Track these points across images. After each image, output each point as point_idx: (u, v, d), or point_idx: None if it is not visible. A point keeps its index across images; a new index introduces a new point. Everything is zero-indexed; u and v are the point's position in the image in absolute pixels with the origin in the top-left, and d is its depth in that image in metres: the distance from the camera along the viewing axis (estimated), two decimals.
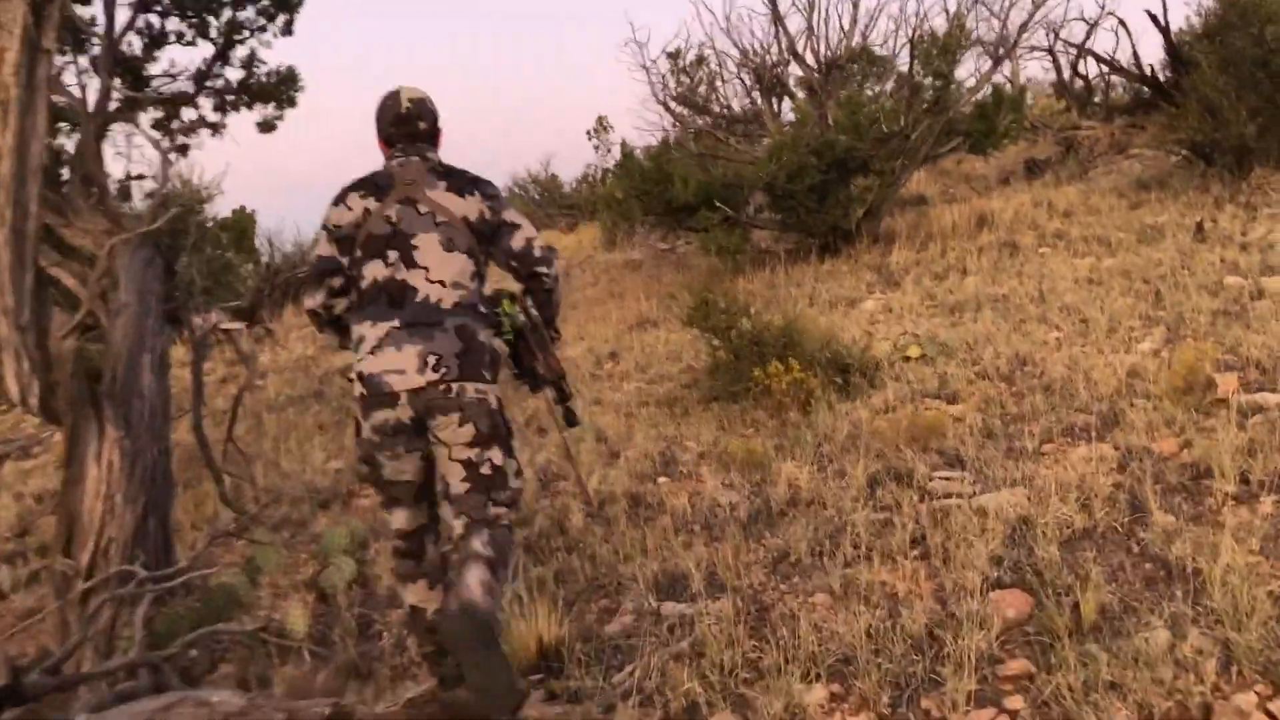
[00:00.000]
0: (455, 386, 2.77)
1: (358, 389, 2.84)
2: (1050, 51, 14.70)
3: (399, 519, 2.97)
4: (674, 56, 10.04)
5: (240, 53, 6.25)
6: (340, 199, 2.96)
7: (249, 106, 6.33)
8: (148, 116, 6.07)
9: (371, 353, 2.79)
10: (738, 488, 4.67)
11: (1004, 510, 3.76)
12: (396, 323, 2.79)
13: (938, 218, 10.38)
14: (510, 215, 2.98)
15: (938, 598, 3.28)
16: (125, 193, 6.23)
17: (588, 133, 12.39)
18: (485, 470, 2.84)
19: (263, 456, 7.11)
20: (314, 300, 3.01)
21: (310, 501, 5.81)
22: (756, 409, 5.74)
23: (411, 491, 2.93)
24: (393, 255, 2.86)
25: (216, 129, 6.29)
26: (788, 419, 5.48)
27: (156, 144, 5.55)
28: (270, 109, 6.42)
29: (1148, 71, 13.52)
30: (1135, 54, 13.38)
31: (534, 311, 3.13)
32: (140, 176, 6.10)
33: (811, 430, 5.21)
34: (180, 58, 6.56)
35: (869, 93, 11.22)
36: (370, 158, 3.63)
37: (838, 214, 9.58)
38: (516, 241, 2.95)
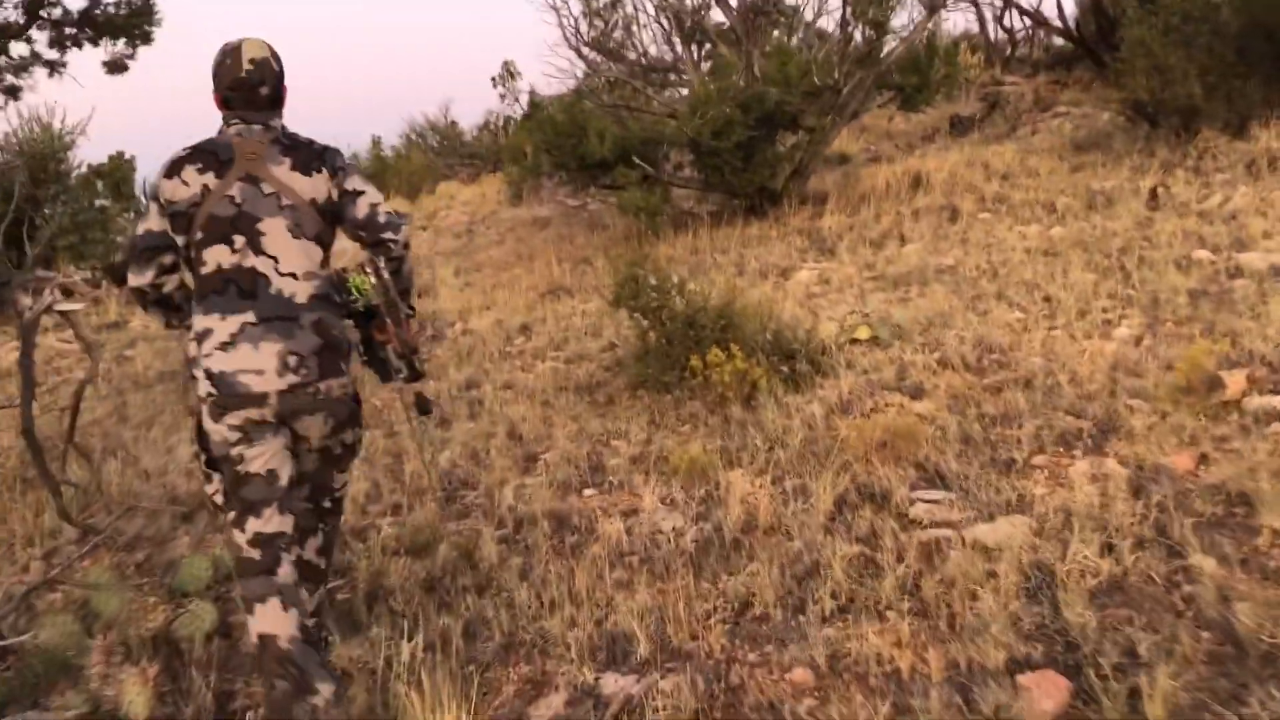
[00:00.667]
0: (319, 386, 2.69)
1: (204, 387, 2.65)
2: (974, 2, 14.15)
3: (256, 523, 2.67)
4: None
5: None
6: (173, 170, 2.68)
7: (94, 42, 5.30)
8: None
9: (222, 348, 2.62)
10: (681, 507, 3.96)
11: (1010, 548, 3.12)
12: (251, 317, 2.63)
13: (870, 178, 9.75)
14: (353, 182, 2.79)
15: (951, 679, 2.62)
16: None
17: (493, 79, 11.17)
18: (337, 451, 2.93)
19: (121, 450, 6.15)
20: (141, 278, 2.78)
21: (171, 513, 4.91)
22: (693, 400, 5.03)
23: (274, 488, 2.69)
24: (239, 241, 2.65)
25: (54, 68, 5.26)
26: (730, 415, 4.78)
27: None
28: (120, 45, 5.41)
29: (1073, 27, 13.09)
30: (1060, 7, 12.89)
31: (386, 277, 2.78)
32: None
33: (760, 431, 4.52)
34: None
35: (795, 41, 10.49)
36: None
37: (765, 174, 8.87)
38: (360, 209, 2.76)
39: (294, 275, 2.66)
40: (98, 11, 5.23)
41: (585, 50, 9.22)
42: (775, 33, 10.84)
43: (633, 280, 5.33)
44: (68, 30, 5.20)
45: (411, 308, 3.00)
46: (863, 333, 5.62)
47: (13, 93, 5.31)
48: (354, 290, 2.89)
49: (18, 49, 5.13)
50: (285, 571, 2.65)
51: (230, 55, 2.73)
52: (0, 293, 4.37)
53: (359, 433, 3.00)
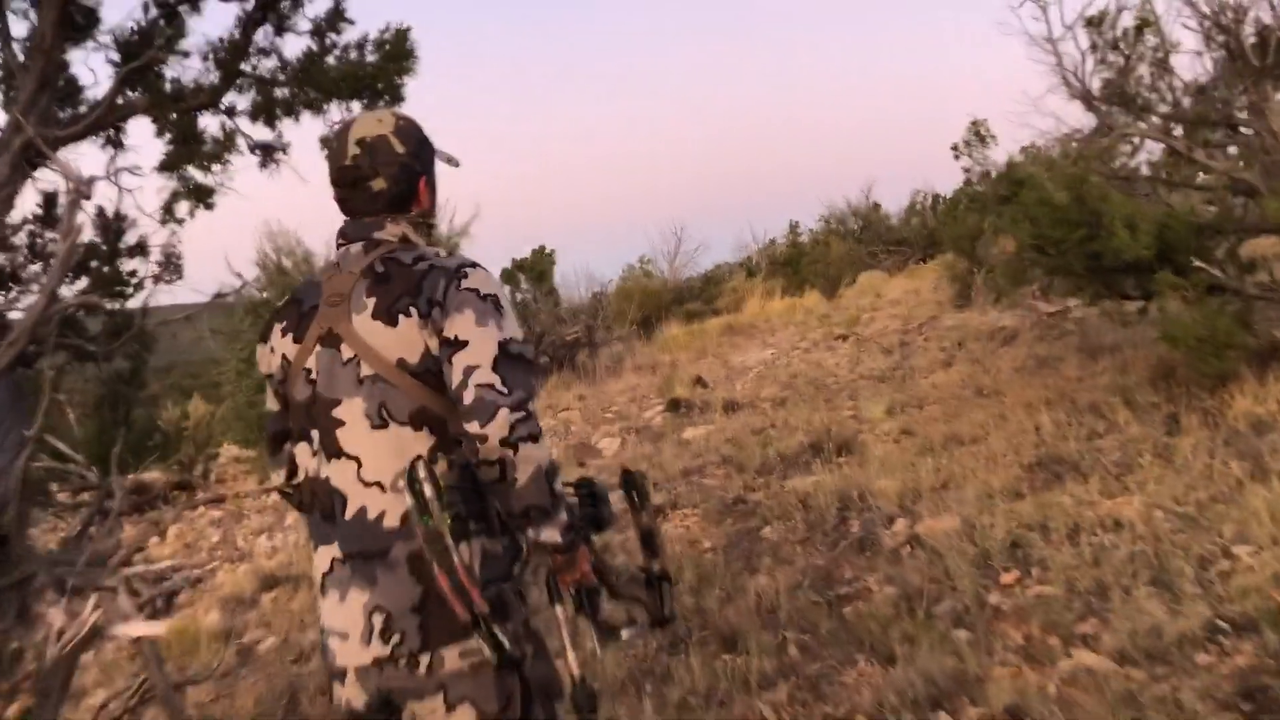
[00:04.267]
0: (422, 660, 1.80)
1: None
2: None
3: None
4: (1096, 23, 6.09)
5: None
6: (265, 332, 2.04)
7: (318, 108, 3.33)
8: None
9: (323, 592, 1.92)
10: None
11: None
12: (337, 551, 1.88)
13: None
14: (458, 323, 1.80)
15: None
16: None
17: (954, 147, 8.26)
18: None
19: None
20: (277, 476, 2.09)
21: None
22: None
23: None
24: (315, 437, 1.92)
25: (269, 155, 3.37)
26: None
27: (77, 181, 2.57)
28: (354, 109, 3.42)
29: None
30: None
31: (432, 490, 1.70)
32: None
33: None
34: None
35: None
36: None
37: None
38: (454, 372, 1.77)
39: (380, 485, 1.82)
40: (331, 58, 3.15)
41: (1095, 98, 6.17)
42: None
43: None
44: (279, 93, 3.22)
45: (569, 537, 1.81)
46: None
47: (202, 198, 3.38)
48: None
49: (211, 125, 3.16)
50: None
51: (337, 138, 2.00)
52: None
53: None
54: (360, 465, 1.84)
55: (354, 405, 1.85)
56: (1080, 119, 6.61)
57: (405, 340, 1.82)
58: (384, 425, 1.83)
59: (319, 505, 1.91)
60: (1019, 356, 8.23)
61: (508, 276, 20.36)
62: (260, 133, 3.48)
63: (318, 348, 1.90)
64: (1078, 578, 3.93)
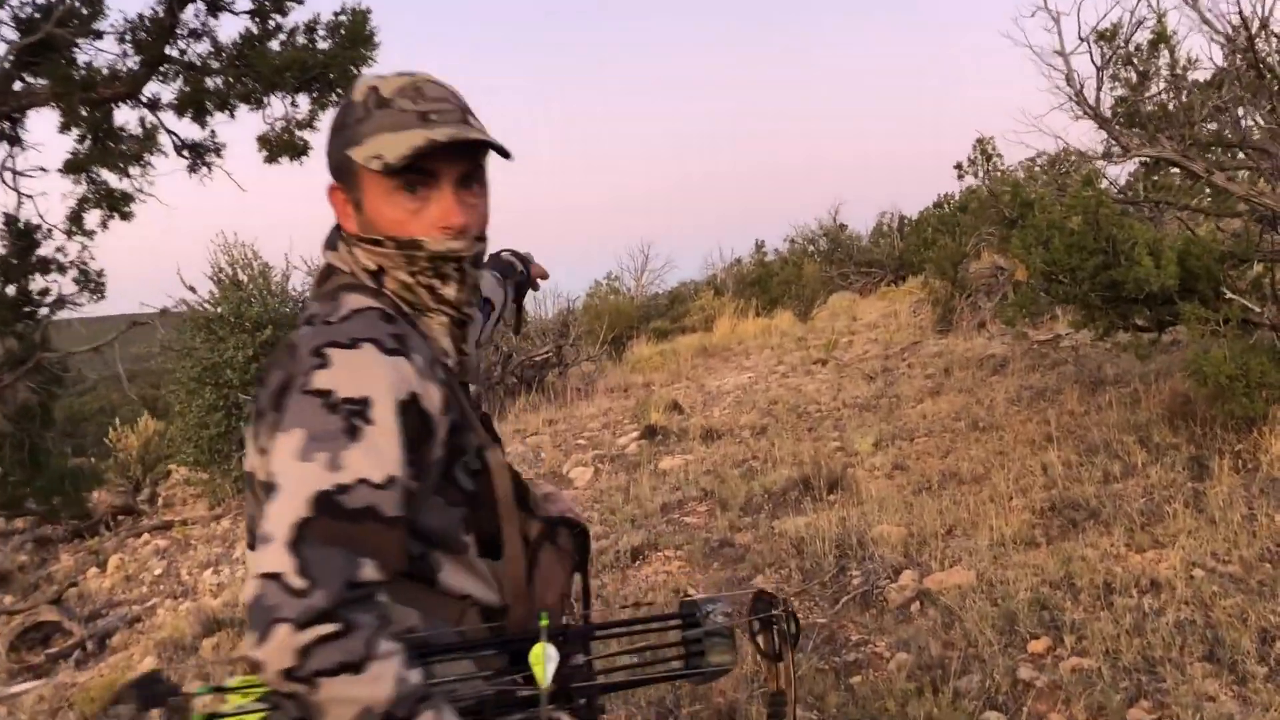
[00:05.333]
0: None
1: None
2: None
3: None
4: (1108, 37, 5.70)
5: None
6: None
7: (258, 101, 2.80)
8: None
9: None
10: None
11: None
12: None
13: None
14: (278, 447, 1.16)
15: None
16: None
17: (958, 165, 7.84)
18: None
19: None
20: None
21: None
22: None
23: None
24: None
25: (200, 158, 2.84)
26: None
27: None
28: (303, 104, 2.87)
29: None
30: None
31: None
32: None
33: None
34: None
35: None
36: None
37: None
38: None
39: None
40: (274, 43, 2.63)
41: (1107, 117, 5.78)
42: None
43: None
44: (211, 82, 2.69)
45: None
46: None
47: (116, 206, 2.84)
48: None
49: (130, 120, 2.64)
50: None
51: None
52: None
53: None
54: None
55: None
56: (1084, 139, 6.22)
57: (255, 448, 1.31)
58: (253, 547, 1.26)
59: None
60: (1012, 387, 7.82)
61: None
62: (189, 130, 2.96)
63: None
64: (1119, 649, 3.49)
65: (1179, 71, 5.61)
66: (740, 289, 23.37)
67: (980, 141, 7.48)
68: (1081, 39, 5.48)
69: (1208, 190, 5.49)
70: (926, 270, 11.76)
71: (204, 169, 2.95)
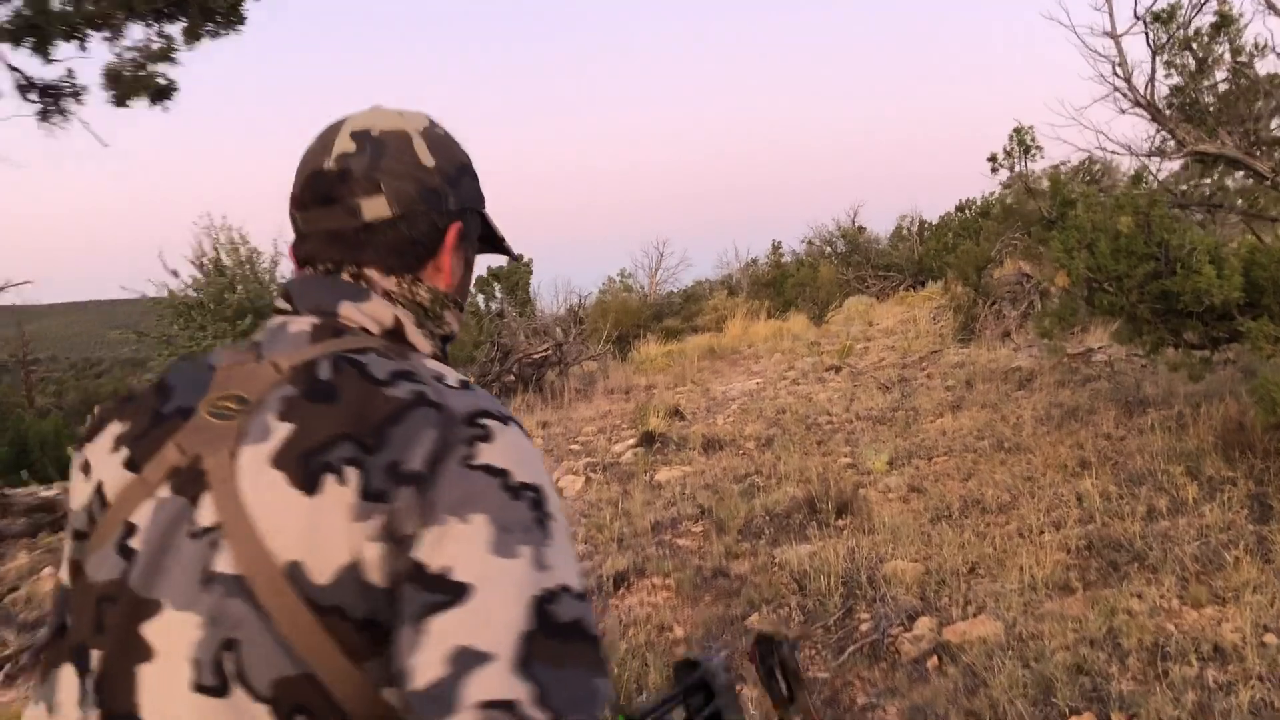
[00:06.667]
0: None
1: None
2: None
3: None
4: (1165, 19, 5.09)
5: None
6: (90, 431, 1.10)
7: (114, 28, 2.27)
8: None
9: None
10: None
11: None
12: None
13: None
14: (452, 539, 0.86)
15: None
16: None
17: (991, 158, 7.17)
18: None
19: None
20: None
21: None
22: None
23: None
24: (93, 666, 0.95)
25: (55, 102, 2.29)
26: None
27: None
28: (178, 37, 2.35)
29: None
30: None
31: None
32: None
33: None
34: None
35: None
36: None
37: None
38: (426, 654, 0.82)
39: None
40: None
41: (1161, 108, 5.16)
42: None
43: None
44: (57, 3, 2.13)
45: None
46: None
47: None
48: None
49: None
50: None
51: (321, 136, 1.13)
52: None
53: None
54: None
55: (179, 628, 0.91)
56: (1129, 135, 5.61)
57: (318, 530, 0.89)
58: (219, 690, 0.89)
59: None
60: (1040, 404, 7.22)
61: (481, 285, 19.28)
62: (35, 68, 2.41)
63: (162, 490, 0.98)
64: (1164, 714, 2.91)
65: (1243, 60, 5.01)
66: (755, 290, 22.90)
67: (1018, 131, 6.81)
68: (1137, 17, 4.86)
69: (1275, 192, 4.88)
70: (948, 275, 11.15)
71: (58, 117, 2.43)
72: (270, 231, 15.58)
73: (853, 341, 12.13)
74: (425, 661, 0.81)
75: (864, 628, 4.09)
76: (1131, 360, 7.63)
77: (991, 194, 21.73)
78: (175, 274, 10.40)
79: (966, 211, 23.18)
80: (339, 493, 0.88)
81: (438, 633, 0.82)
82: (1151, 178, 5.23)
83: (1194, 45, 5.06)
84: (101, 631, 0.95)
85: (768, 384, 10.61)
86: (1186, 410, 5.74)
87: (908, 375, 9.55)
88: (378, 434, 0.92)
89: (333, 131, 1.12)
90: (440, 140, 1.14)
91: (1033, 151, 6.78)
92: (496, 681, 0.80)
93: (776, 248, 27.58)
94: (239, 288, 10.01)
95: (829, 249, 24.32)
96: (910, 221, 24.16)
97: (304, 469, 0.90)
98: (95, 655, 0.94)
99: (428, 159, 1.11)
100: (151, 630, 0.91)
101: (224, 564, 0.90)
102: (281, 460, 0.92)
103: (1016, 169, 6.72)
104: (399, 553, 0.87)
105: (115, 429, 1.05)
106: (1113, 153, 5.78)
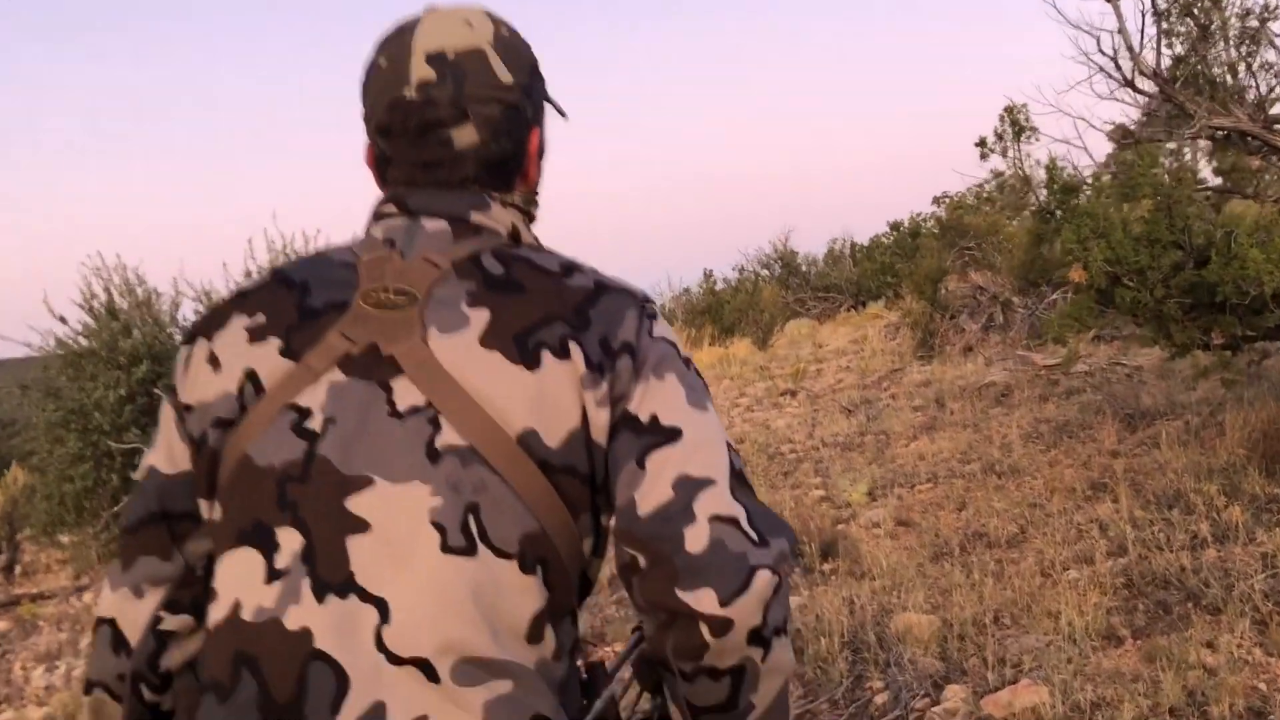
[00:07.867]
0: None
1: None
2: None
3: None
4: None
5: None
6: (205, 325, 1.09)
7: None
8: None
9: None
10: None
11: None
12: None
13: None
14: (658, 392, 1.02)
15: None
16: None
17: (980, 143, 6.62)
18: None
19: None
20: (129, 603, 1.07)
21: None
22: None
23: None
24: (287, 547, 0.97)
25: None
26: None
27: None
28: None
29: None
30: None
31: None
32: None
33: None
34: None
35: None
36: None
37: None
38: (652, 484, 0.98)
39: (426, 668, 0.91)
40: None
41: (1161, 81, 4.60)
42: None
43: None
44: None
45: None
46: None
47: None
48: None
49: None
50: None
51: (388, 46, 1.11)
52: None
53: None
54: (387, 619, 0.91)
55: (407, 499, 0.94)
56: (1125, 112, 5.05)
57: (546, 398, 0.98)
58: (467, 550, 0.94)
59: (246, 686, 0.92)
60: (1024, 420, 6.63)
61: None
62: None
63: (338, 375, 0.99)
64: None
65: (1251, 25, 4.47)
66: (690, 318, 22.38)
67: (1009, 110, 6.25)
68: None
69: None
70: (904, 290, 10.62)
71: None
72: (170, 269, 14.61)
73: (804, 364, 11.52)
74: (652, 489, 0.95)
75: (880, 700, 3.36)
76: (1115, 369, 7.09)
77: (918, 215, 21.67)
78: (63, 320, 9.41)
79: (899, 230, 23.04)
80: (564, 366, 0.98)
81: (660, 465, 0.96)
82: (1168, 158, 4.67)
83: (1195, 9, 4.53)
84: (286, 509, 0.96)
85: (720, 412, 9.93)
86: (1199, 420, 5.15)
87: (870, 396, 8.92)
88: (579, 315, 1.02)
89: (404, 51, 1.07)
90: (510, 46, 1.12)
91: (1027, 133, 6.28)
92: (722, 500, 0.94)
93: (709, 276, 27.13)
94: (134, 331, 9.08)
95: (765, 271, 23.94)
96: (841, 244, 23.97)
97: (520, 347, 0.98)
98: (283, 532, 0.96)
99: (505, 75, 1.09)
100: (360, 503, 0.94)
101: (450, 438, 0.95)
102: (493, 341, 0.98)
103: (1009, 154, 6.20)
104: (615, 410, 0.99)
105: (243, 321, 1.05)
106: (1119, 139, 5.16)
